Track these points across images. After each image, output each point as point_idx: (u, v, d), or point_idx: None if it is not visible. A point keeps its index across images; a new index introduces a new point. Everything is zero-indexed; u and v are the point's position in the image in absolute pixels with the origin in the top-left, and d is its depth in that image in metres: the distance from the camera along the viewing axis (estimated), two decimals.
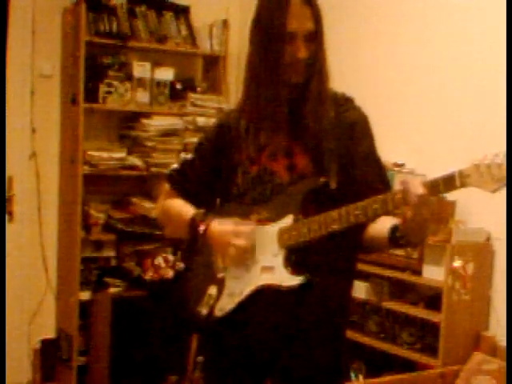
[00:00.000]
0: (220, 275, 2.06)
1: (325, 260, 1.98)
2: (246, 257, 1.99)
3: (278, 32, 1.92)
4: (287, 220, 1.94)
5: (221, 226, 2.01)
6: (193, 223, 2.06)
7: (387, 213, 1.83)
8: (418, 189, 1.72)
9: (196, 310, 2.08)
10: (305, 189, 1.96)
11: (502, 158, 1.63)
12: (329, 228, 1.86)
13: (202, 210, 2.09)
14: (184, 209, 2.14)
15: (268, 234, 1.97)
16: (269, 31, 1.94)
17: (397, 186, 1.86)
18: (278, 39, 1.93)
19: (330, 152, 1.97)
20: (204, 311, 2.06)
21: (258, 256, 1.98)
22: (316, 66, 1.96)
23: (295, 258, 1.94)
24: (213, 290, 2.06)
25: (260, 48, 1.98)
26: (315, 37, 1.95)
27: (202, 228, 2.04)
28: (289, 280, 1.92)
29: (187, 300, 2.14)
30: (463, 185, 1.68)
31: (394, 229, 1.85)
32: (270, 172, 2.02)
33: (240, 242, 1.96)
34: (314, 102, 1.97)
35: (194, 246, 2.10)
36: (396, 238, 1.84)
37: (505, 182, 1.63)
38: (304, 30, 1.93)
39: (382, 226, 1.90)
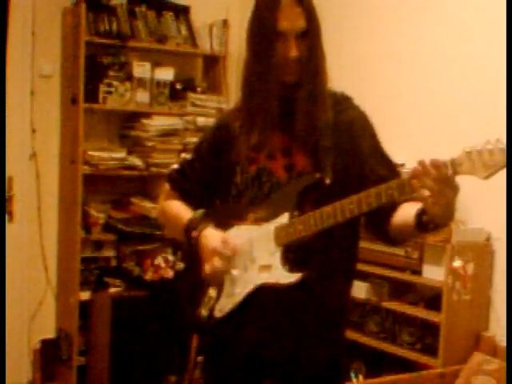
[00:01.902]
0: None
1: (323, 257, 1.98)
2: (221, 276, 2.01)
3: (268, 32, 1.94)
4: (283, 218, 1.95)
5: (208, 239, 2.02)
6: (187, 228, 2.08)
7: (403, 199, 1.80)
8: (443, 170, 1.67)
9: (196, 311, 2.08)
10: (300, 186, 1.96)
11: (494, 144, 1.63)
12: (325, 224, 1.86)
13: (198, 214, 2.11)
14: (181, 212, 2.15)
15: (265, 233, 1.97)
16: (260, 31, 1.96)
17: None
18: (269, 39, 1.94)
19: (326, 149, 1.97)
20: (204, 313, 2.06)
21: (256, 255, 1.99)
22: (309, 64, 1.97)
23: (292, 255, 1.94)
24: (213, 292, 2.06)
25: (253, 48, 2.00)
26: (308, 36, 1.95)
27: (194, 234, 2.05)
28: (286, 278, 1.92)
29: (188, 301, 2.14)
30: (456, 173, 1.68)
31: (421, 214, 1.80)
32: (269, 171, 2.03)
33: (217, 262, 1.98)
34: (305, 100, 1.97)
35: (191, 249, 2.10)
36: (423, 223, 1.79)
37: (497, 168, 1.63)
38: (295, 29, 1.93)
39: (407, 213, 1.86)
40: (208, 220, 2.08)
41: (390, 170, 2.02)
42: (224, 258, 1.98)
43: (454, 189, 1.71)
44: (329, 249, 1.98)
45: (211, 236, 2.03)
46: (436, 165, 1.68)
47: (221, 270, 1.99)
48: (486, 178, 1.65)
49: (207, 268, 2.00)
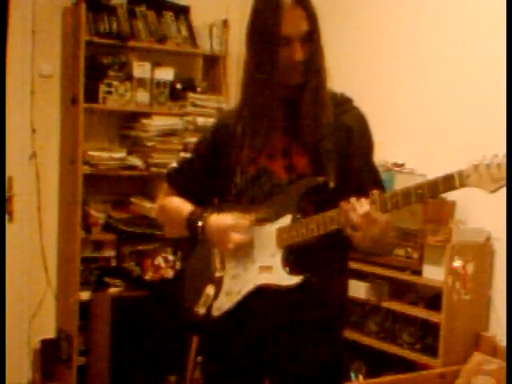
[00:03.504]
0: (218, 275, 2.07)
1: (323, 259, 1.98)
2: (243, 251, 1.99)
3: (273, 37, 1.92)
4: (285, 220, 1.95)
5: (218, 221, 2.01)
6: (191, 219, 2.07)
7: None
8: (363, 207, 1.78)
9: (194, 309, 2.08)
10: (303, 188, 1.96)
11: (501, 159, 1.63)
12: (327, 228, 1.86)
13: (200, 207, 2.10)
14: (182, 206, 2.15)
15: (266, 234, 1.97)
16: (263, 36, 1.94)
17: (397, 186, 1.86)
18: (273, 44, 1.92)
19: (329, 152, 1.97)
20: (202, 311, 2.06)
21: (256, 255, 1.99)
22: (314, 66, 1.96)
23: (293, 257, 1.94)
24: (210, 290, 2.07)
25: (256, 53, 1.97)
26: (311, 37, 1.94)
27: (200, 223, 2.04)
28: (287, 280, 1.92)
29: (185, 300, 2.14)
30: (462, 185, 1.69)
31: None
32: (269, 172, 2.02)
33: (237, 236, 1.97)
34: (311, 102, 1.97)
35: (193, 243, 2.10)
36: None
37: (504, 182, 1.64)
38: (299, 32, 1.92)
39: None
40: (210, 211, 2.07)
41: (375, 183, 2.01)
42: (243, 230, 1.97)
43: (379, 225, 1.79)
44: (327, 250, 1.97)
45: (220, 218, 2.02)
46: (360, 202, 1.79)
47: (244, 241, 1.98)
48: (493, 191, 1.66)
49: (230, 244, 1.98)
